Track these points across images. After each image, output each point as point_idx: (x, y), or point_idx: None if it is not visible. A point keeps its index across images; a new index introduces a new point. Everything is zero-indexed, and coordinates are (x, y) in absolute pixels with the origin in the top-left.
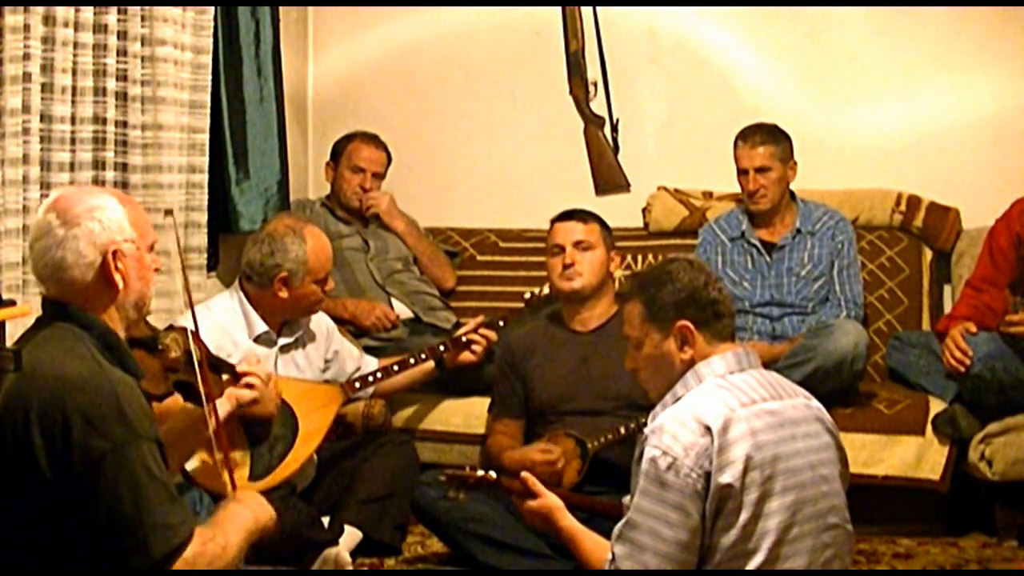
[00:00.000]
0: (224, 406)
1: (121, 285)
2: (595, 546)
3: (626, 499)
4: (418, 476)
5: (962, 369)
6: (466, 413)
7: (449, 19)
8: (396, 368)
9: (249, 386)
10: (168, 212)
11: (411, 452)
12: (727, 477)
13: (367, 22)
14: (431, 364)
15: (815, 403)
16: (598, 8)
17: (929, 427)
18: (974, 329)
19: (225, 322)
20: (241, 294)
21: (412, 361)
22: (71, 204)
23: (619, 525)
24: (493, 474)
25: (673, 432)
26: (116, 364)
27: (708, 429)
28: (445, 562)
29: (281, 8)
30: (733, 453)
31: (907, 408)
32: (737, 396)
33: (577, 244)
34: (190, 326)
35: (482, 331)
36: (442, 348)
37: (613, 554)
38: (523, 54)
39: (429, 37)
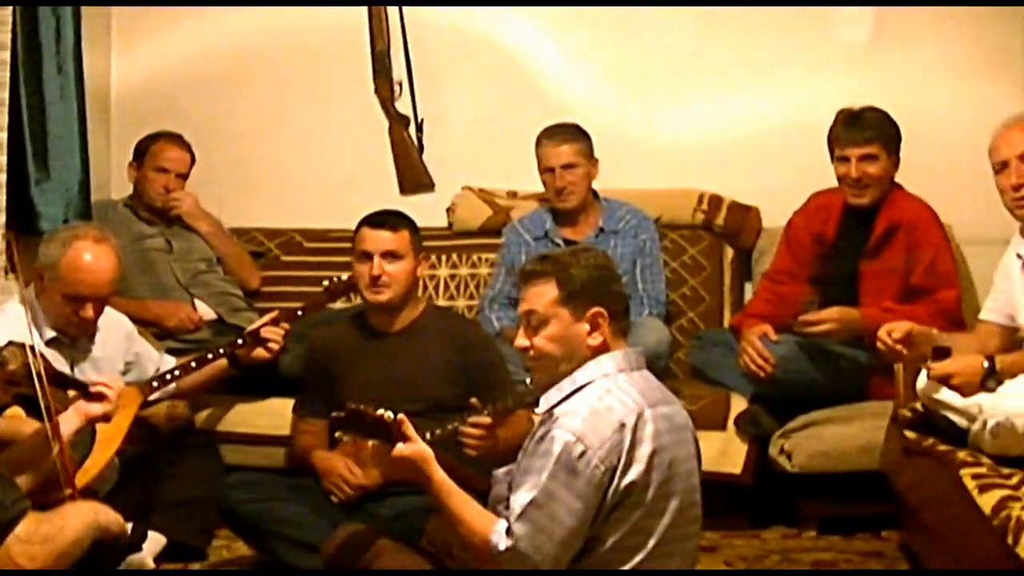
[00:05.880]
0: (72, 422)
1: None
2: (473, 511)
3: (500, 471)
4: (223, 479)
5: (762, 375)
6: (270, 414)
7: (255, 18)
8: (193, 365)
9: (100, 398)
10: None
11: (215, 455)
12: (632, 474)
13: (171, 21)
14: (226, 361)
15: (684, 409)
16: (404, 8)
17: (731, 422)
18: (774, 336)
19: (16, 327)
20: (34, 297)
21: (210, 356)
22: None
23: (521, 502)
24: (390, 414)
25: (591, 422)
26: None
27: (623, 426)
28: (252, 565)
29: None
30: (641, 452)
31: (709, 404)
32: (644, 395)
33: (386, 254)
34: (28, 341)
35: (276, 327)
36: (240, 342)
37: (511, 530)
38: (328, 54)
39: (235, 36)
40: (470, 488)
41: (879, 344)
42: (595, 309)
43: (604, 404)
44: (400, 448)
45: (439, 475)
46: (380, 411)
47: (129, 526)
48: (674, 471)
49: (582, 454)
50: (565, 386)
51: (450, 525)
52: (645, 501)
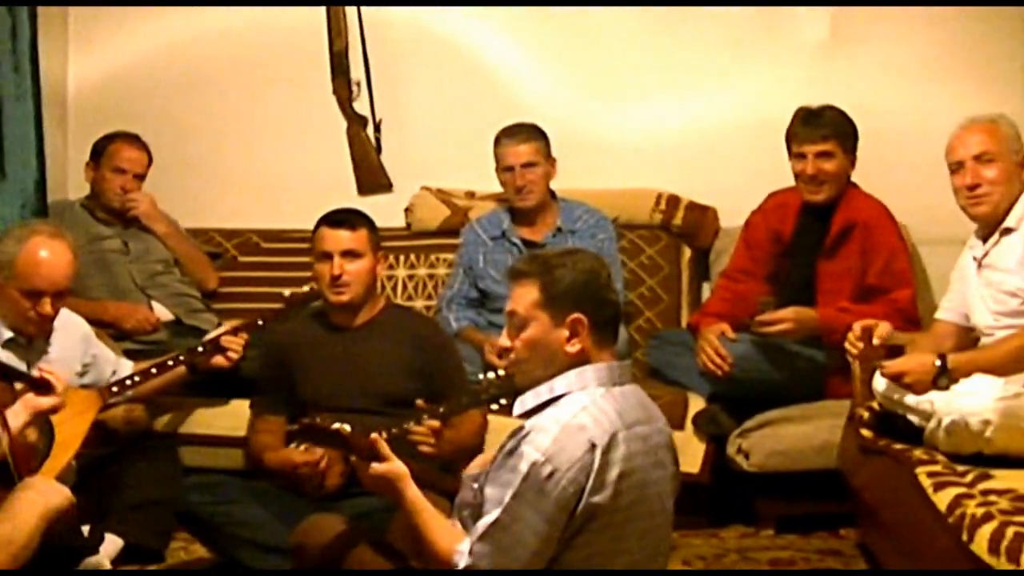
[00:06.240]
0: (20, 415)
1: None
2: (441, 529)
3: (469, 475)
4: (181, 481)
5: (720, 374)
6: (230, 416)
7: (212, 19)
8: (154, 371)
9: (48, 389)
10: None
11: (174, 456)
12: (600, 498)
13: (128, 20)
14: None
15: (667, 427)
16: (363, 8)
17: (689, 422)
18: (732, 335)
19: None
20: None
21: (170, 363)
22: None
23: (486, 521)
24: (347, 427)
25: (561, 441)
26: None
27: (594, 446)
28: (210, 568)
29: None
30: (610, 475)
31: (667, 404)
32: (621, 415)
33: (345, 253)
34: None
35: (235, 337)
36: (200, 350)
37: (472, 550)
38: (287, 53)
39: (192, 37)
40: (439, 489)
41: (851, 336)
42: (575, 315)
43: (577, 422)
44: (376, 467)
45: (411, 492)
46: (336, 425)
47: (87, 528)
48: (645, 493)
49: (550, 475)
50: (543, 392)
51: (417, 541)
52: (612, 524)
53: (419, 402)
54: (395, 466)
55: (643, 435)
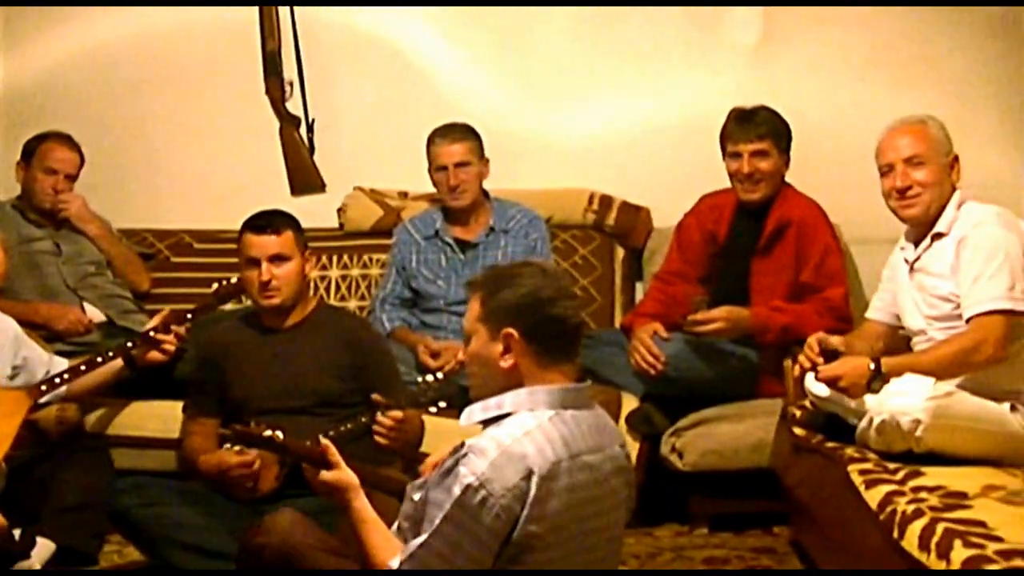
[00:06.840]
0: None
1: None
2: (381, 542)
3: (414, 485)
4: (114, 483)
5: (653, 372)
6: (161, 417)
7: (145, 18)
8: (84, 368)
9: None
10: None
11: (106, 459)
12: (536, 527)
13: (61, 19)
14: (120, 363)
15: (624, 450)
16: (295, 7)
17: (622, 421)
18: (665, 334)
19: None
20: None
21: (100, 360)
22: None
23: (416, 541)
24: (280, 434)
25: (498, 466)
26: None
27: (531, 474)
28: (144, 570)
29: None
30: (549, 506)
31: (600, 403)
32: (568, 443)
33: (273, 258)
34: None
35: (172, 329)
36: (130, 345)
37: (400, 568)
38: (219, 54)
39: (125, 36)
40: (383, 489)
41: (807, 351)
42: (507, 330)
43: (518, 448)
44: (325, 475)
45: (358, 503)
46: (268, 432)
47: (18, 532)
48: (590, 526)
49: (483, 500)
50: (491, 406)
51: (359, 550)
52: (552, 560)
53: (376, 396)
54: (345, 475)
55: (591, 464)
